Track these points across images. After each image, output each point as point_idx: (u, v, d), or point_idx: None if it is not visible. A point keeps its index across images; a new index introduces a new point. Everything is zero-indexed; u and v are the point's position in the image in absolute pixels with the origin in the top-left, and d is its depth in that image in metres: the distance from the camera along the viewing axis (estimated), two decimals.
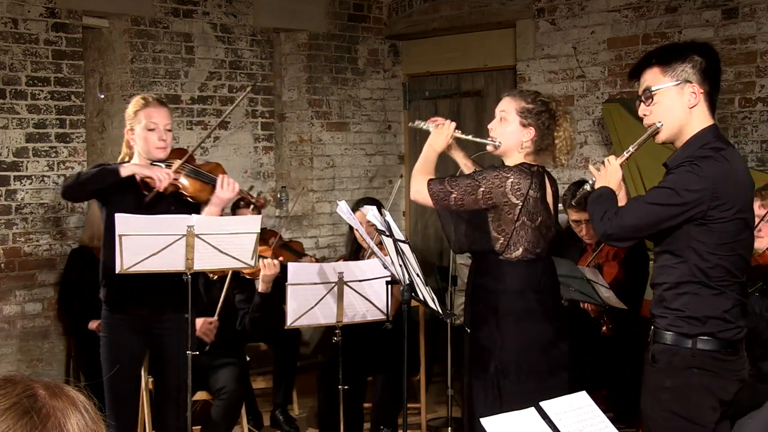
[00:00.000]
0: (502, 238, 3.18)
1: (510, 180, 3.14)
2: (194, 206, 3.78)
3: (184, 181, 3.76)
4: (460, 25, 6.79)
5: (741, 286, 2.71)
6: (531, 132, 3.22)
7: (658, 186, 2.71)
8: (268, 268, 4.42)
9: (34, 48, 5.41)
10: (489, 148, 3.30)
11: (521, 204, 3.15)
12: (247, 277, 4.57)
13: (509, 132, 3.24)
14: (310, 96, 6.84)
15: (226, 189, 3.70)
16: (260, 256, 4.38)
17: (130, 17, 5.84)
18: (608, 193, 2.81)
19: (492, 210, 3.18)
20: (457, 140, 3.45)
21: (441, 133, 3.32)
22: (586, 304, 4.43)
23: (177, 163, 3.74)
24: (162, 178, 3.61)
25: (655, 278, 2.78)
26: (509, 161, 3.26)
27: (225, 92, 6.32)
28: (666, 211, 2.63)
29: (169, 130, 3.75)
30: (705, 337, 2.64)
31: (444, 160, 3.49)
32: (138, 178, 3.67)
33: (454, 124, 3.35)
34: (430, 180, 3.24)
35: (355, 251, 4.80)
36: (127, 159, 3.83)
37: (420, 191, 3.24)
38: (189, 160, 3.80)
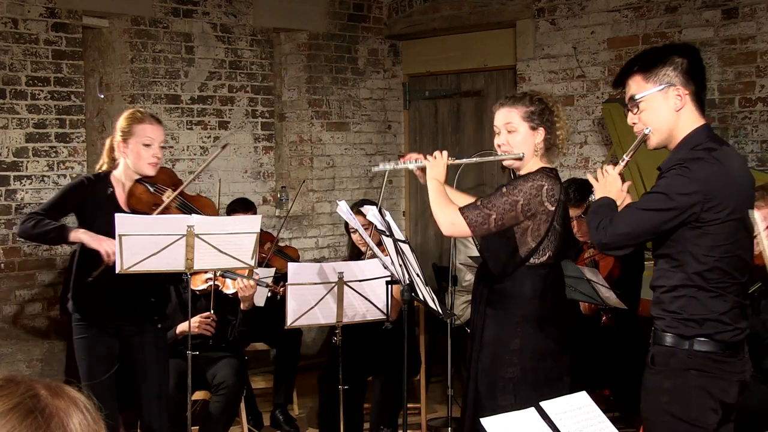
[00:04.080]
0: (534, 244, 3.15)
1: (545, 187, 3.12)
2: None
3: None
4: (459, 25, 6.79)
5: (741, 287, 2.69)
6: (541, 133, 3.20)
7: (650, 191, 2.69)
8: (244, 290, 4.34)
9: (34, 48, 5.41)
10: (510, 162, 3.24)
11: (554, 209, 3.14)
12: (229, 294, 4.53)
13: (522, 140, 3.20)
14: (310, 96, 6.84)
15: None
16: (240, 276, 4.29)
17: (130, 17, 5.84)
18: (608, 203, 2.78)
19: (529, 220, 3.14)
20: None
21: (437, 164, 3.23)
22: (582, 305, 4.43)
23: (169, 193, 3.74)
24: (110, 252, 3.55)
25: (654, 281, 2.77)
26: (526, 168, 3.23)
27: (225, 92, 6.32)
28: (659, 217, 2.60)
29: (163, 147, 3.79)
30: (702, 339, 2.62)
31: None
32: (86, 242, 3.63)
33: (446, 153, 3.26)
34: (462, 208, 3.12)
35: (355, 256, 4.79)
36: (106, 168, 3.83)
37: (455, 223, 3.10)
38: (180, 192, 3.79)
